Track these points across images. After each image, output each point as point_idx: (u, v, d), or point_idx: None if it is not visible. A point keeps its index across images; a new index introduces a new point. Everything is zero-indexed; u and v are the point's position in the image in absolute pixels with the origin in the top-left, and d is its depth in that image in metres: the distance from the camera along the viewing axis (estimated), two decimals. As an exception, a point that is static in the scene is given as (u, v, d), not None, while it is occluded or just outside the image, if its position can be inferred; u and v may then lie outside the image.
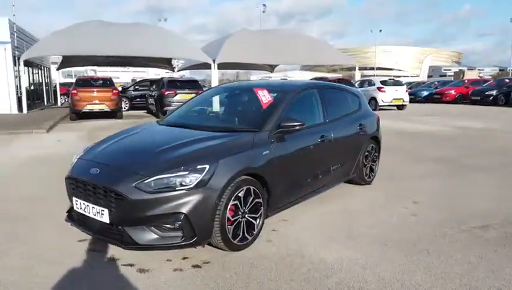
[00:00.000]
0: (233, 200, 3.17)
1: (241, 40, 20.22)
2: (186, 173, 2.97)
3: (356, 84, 19.65)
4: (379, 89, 17.82)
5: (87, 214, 3.14)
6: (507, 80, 22.89)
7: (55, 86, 27.32)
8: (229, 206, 3.13)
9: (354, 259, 3.19)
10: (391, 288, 2.75)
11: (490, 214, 4.24)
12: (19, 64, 17.10)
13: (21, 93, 17.28)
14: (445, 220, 4.05)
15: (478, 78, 27.70)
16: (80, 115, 14.06)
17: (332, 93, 4.86)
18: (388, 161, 6.99)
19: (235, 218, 3.22)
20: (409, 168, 6.45)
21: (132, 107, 19.83)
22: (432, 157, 7.24)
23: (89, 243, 3.41)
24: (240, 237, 3.26)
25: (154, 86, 16.98)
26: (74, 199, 3.26)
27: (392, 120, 14.21)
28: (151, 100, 16.43)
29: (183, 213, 2.90)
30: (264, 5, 41.04)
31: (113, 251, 3.24)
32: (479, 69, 63.31)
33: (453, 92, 24.32)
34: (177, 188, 2.92)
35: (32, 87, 22.42)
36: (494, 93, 21.26)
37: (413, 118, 14.76)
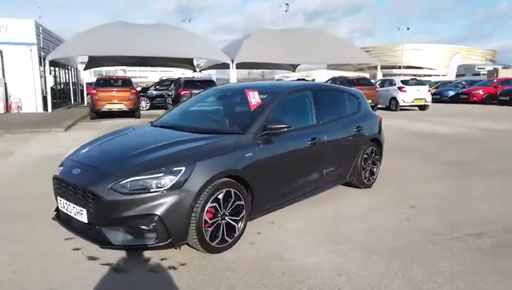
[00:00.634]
0: (212, 202, 3.17)
1: (260, 40, 20.22)
2: (162, 174, 2.99)
3: (377, 84, 19.29)
4: (400, 88, 17.38)
5: (69, 213, 3.22)
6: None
7: (83, 85, 28.20)
8: (206, 209, 3.12)
9: (333, 264, 3.12)
10: (363, 296, 2.68)
11: (491, 221, 4.06)
12: (45, 65, 17.74)
13: (46, 93, 17.91)
14: (439, 227, 3.91)
15: (509, 77, 26.48)
16: (100, 114, 14.43)
17: (327, 95, 4.77)
18: (397, 163, 6.83)
19: (214, 220, 3.21)
20: (417, 171, 6.25)
21: (153, 107, 20.21)
22: (445, 160, 6.99)
23: (74, 242, 3.48)
24: (219, 239, 3.26)
25: (172, 86, 17.23)
26: (59, 198, 3.35)
27: (410, 121, 13.87)
28: (169, 100, 16.69)
29: (157, 215, 2.92)
30: (287, 4, 40.79)
31: (96, 250, 3.29)
32: (515, 68, 60.54)
33: (480, 92, 23.43)
34: (152, 190, 2.95)
35: (59, 87, 23.23)
36: (524, 93, 20.35)
37: (433, 119, 14.32)
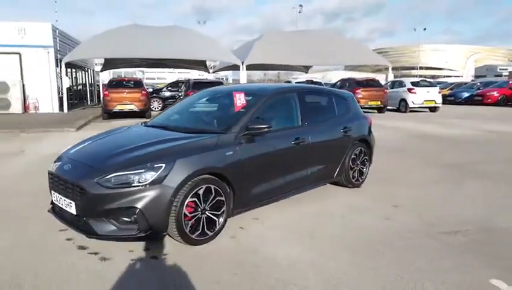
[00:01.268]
0: (192, 197, 3.38)
1: (271, 42, 20.43)
2: (143, 170, 3.22)
3: (388, 85, 19.23)
4: (409, 90, 17.30)
5: (61, 205, 3.48)
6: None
7: (99, 86, 28.93)
8: (186, 203, 3.34)
9: (305, 258, 3.30)
10: (326, 285, 2.85)
11: (470, 221, 4.16)
12: (61, 67, 18.34)
13: (62, 94, 18.50)
14: (416, 225, 4.04)
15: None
16: (111, 115, 14.87)
17: (313, 97, 4.94)
18: (393, 164, 6.94)
19: (194, 214, 3.43)
20: (411, 173, 6.34)
21: (165, 107, 20.61)
22: (441, 163, 7.04)
23: (67, 233, 3.74)
24: (199, 232, 3.47)
25: (183, 87, 17.58)
26: (52, 192, 3.62)
27: (418, 122, 13.83)
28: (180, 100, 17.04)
29: (138, 208, 3.16)
30: (301, 5, 40.95)
31: (85, 240, 3.54)
32: (540, 68, 58.88)
33: (495, 93, 23.05)
34: (133, 185, 3.18)
35: (75, 88, 23.92)
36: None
37: (442, 121, 14.25)
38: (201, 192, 3.44)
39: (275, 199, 4.29)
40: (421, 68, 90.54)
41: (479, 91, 24.22)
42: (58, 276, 2.97)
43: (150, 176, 3.21)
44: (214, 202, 3.55)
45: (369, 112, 17.88)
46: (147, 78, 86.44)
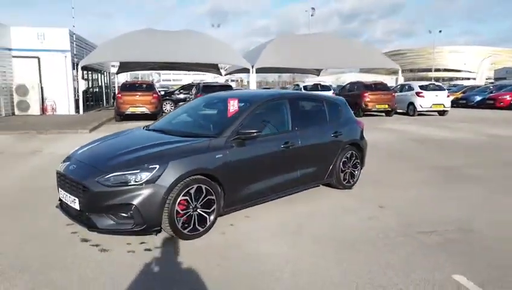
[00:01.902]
0: (183, 195, 3.71)
1: (282, 46, 20.74)
2: (139, 171, 3.57)
3: (397, 89, 19.32)
4: (417, 94, 17.37)
5: (67, 202, 3.86)
6: None
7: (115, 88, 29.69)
8: (178, 201, 3.67)
9: (285, 253, 3.59)
10: (297, 277, 3.14)
11: (449, 222, 4.38)
12: (77, 70, 19.02)
13: (78, 96, 19.18)
14: (397, 225, 4.28)
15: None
16: (124, 117, 15.39)
17: (305, 103, 5.24)
18: (388, 167, 7.16)
19: (186, 211, 3.76)
20: (403, 176, 6.55)
21: (177, 110, 21.10)
22: (435, 166, 7.22)
23: (73, 227, 4.11)
24: (190, 228, 3.80)
25: (193, 90, 18.02)
26: (60, 189, 4.00)
27: (423, 126, 13.93)
28: (190, 103, 17.46)
29: (133, 204, 3.50)
30: (313, 8, 41.20)
31: (89, 234, 3.90)
32: None
33: (507, 97, 22.79)
34: (130, 183, 3.54)
35: (92, 90, 24.66)
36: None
37: (447, 125, 14.31)
38: (192, 191, 3.77)
39: (265, 199, 4.59)
40: (438, 70, 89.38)
41: (491, 95, 24.01)
42: (61, 263, 3.33)
43: (145, 176, 3.56)
44: (204, 200, 3.87)
45: (377, 115, 18.03)
46: (163, 80, 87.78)
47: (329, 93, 16.53)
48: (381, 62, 23.33)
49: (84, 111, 19.39)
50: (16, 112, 17.92)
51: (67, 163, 4.06)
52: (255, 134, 4.21)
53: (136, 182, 3.54)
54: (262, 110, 4.66)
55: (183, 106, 5.44)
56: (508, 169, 7.06)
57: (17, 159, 7.97)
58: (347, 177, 5.56)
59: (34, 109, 18.18)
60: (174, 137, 4.27)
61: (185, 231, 3.77)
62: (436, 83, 19.95)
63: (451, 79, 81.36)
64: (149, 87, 16.17)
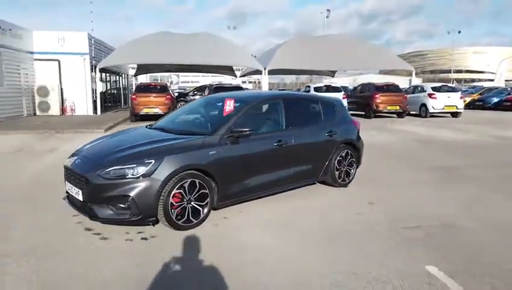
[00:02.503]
0: (178, 189, 3.99)
1: (294, 48, 20.95)
2: (136, 165, 3.87)
3: (409, 90, 19.25)
4: (430, 95, 17.29)
5: (72, 193, 4.19)
6: None
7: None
8: (172, 194, 3.95)
9: (272, 244, 3.82)
10: (280, 264, 3.37)
11: (435, 218, 4.52)
12: (96, 72, 19.68)
13: (96, 97, 19.83)
14: (383, 220, 4.46)
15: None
16: (139, 117, 15.87)
17: (299, 103, 5.46)
18: (386, 167, 7.30)
19: (180, 204, 4.04)
20: (401, 176, 6.66)
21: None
22: (435, 166, 7.30)
23: (79, 218, 4.44)
24: (184, 219, 4.07)
25: (206, 91, 18.42)
26: (66, 182, 4.35)
27: (433, 127, 13.90)
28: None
29: (130, 196, 3.80)
30: (328, 10, 41.19)
31: (93, 224, 4.22)
32: None
33: (525, 99, 22.41)
34: (128, 177, 3.84)
35: (110, 92, 25.39)
36: None
37: (459, 126, 14.23)
38: (186, 185, 4.05)
39: (259, 194, 4.83)
40: (460, 71, 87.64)
41: (509, 96, 23.60)
42: (64, 248, 3.66)
43: (141, 170, 3.85)
44: (198, 194, 4.14)
45: (388, 117, 18.01)
46: (181, 82, 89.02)
47: (340, 95, 16.64)
48: (394, 64, 23.25)
49: (102, 112, 20.03)
50: (37, 112, 18.65)
51: (74, 158, 4.40)
52: (247, 132, 4.46)
53: (133, 175, 3.84)
54: (256, 110, 4.91)
55: (185, 106, 5.74)
56: (506, 170, 7.10)
57: (33, 156, 8.44)
58: (342, 176, 5.74)
59: (54, 110, 18.88)
60: (172, 135, 4.56)
61: (179, 222, 4.04)
62: (449, 85, 19.81)
63: (473, 80, 79.71)
64: (162, 88, 16.63)
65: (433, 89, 17.57)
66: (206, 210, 4.23)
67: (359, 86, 19.46)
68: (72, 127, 13.42)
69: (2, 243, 3.81)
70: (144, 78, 36.40)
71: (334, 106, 5.88)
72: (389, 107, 16.90)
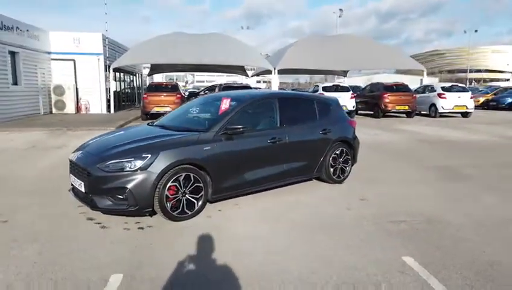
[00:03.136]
0: (173, 182, 4.24)
1: (304, 48, 21.06)
2: (133, 159, 4.14)
3: (419, 90, 19.18)
4: (439, 95, 17.21)
5: (76, 185, 4.49)
6: None
7: (146, 89, 31.03)
8: (167, 186, 4.20)
9: (261, 235, 4.03)
10: (266, 253, 3.58)
11: (422, 214, 4.65)
12: (109, 72, 20.18)
13: (110, 96, 20.34)
14: (371, 215, 4.62)
15: None
16: (150, 116, 16.25)
17: (294, 102, 5.66)
18: (385, 165, 7.42)
19: (175, 196, 4.29)
20: (398, 174, 6.76)
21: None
22: (435, 166, 7.38)
23: (83, 209, 4.73)
24: (179, 210, 4.32)
25: (216, 90, 18.72)
26: (71, 175, 4.64)
27: (441, 127, 13.87)
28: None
29: (127, 188, 4.06)
30: (341, 9, 41.14)
31: (95, 214, 4.51)
32: None
33: (540, 99, 22.06)
34: (125, 170, 4.10)
35: (124, 91, 25.93)
36: None
37: (467, 126, 14.17)
38: (181, 178, 4.29)
39: (253, 188, 5.05)
40: (479, 71, 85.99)
41: (523, 96, 23.26)
42: (66, 236, 3.95)
43: (139, 163, 4.12)
44: (193, 187, 4.39)
45: (397, 116, 18.00)
46: (196, 82, 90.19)
47: (348, 94, 16.72)
48: (405, 63, 23.15)
49: (115, 110, 20.52)
50: (53, 110, 19.24)
51: (78, 152, 4.70)
52: (241, 129, 4.68)
53: (131, 168, 4.11)
54: (251, 108, 5.13)
55: (186, 104, 6.00)
56: (503, 169, 7.16)
57: (46, 152, 8.84)
58: (337, 172, 5.91)
59: (70, 108, 19.44)
60: (169, 131, 4.82)
61: (174, 213, 4.29)
62: (460, 85, 19.63)
63: (492, 80, 78.24)
64: (173, 88, 16.98)
65: (443, 88, 17.48)
66: (200, 203, 4.47)
67: (368, 85, 19.47)
68: (85, 124, 13.86)
69: (11, 229, 4.13)
70: (159, 78, 37.01)
71: (330, 105, 6.05)
72: (397, 107, 16.90)
